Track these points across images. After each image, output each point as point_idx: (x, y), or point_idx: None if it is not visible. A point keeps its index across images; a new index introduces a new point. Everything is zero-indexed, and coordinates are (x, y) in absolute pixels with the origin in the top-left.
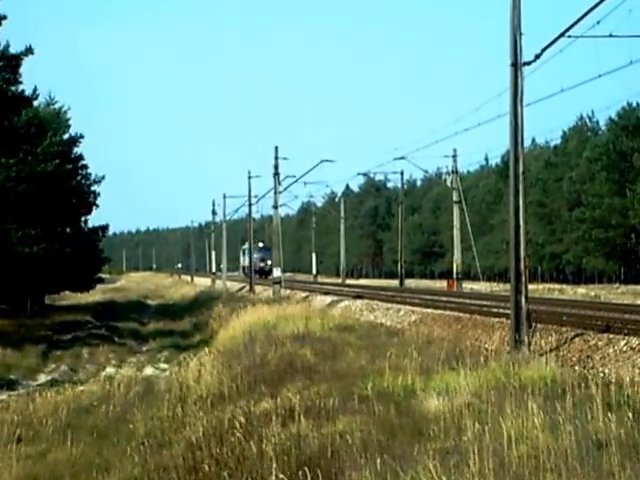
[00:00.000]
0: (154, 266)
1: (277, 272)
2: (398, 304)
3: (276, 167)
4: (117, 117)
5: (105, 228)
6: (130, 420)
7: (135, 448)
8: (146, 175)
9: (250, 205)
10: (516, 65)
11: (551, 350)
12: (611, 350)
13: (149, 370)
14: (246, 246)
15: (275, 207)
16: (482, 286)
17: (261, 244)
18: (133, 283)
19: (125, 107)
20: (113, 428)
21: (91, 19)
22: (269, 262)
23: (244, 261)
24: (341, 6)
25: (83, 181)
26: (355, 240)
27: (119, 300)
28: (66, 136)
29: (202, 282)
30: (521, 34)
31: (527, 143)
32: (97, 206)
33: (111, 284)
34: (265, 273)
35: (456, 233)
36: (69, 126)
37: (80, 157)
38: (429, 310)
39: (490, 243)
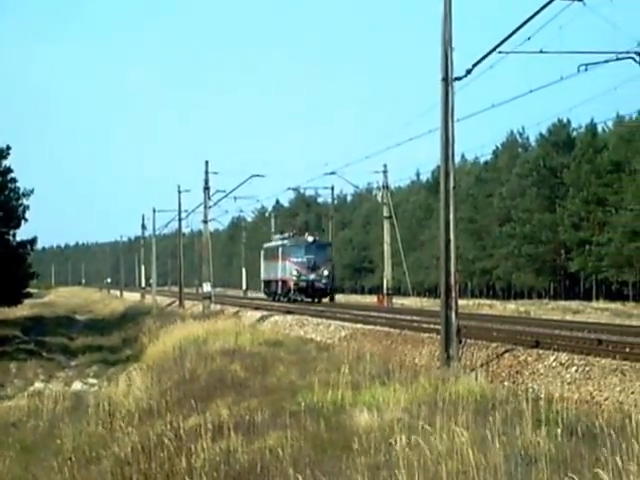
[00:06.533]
0: (83, 281)
1: (207, 287)
2: (328, 319)
3: (206, 181)
4: (48, 130)
5: (33, 242)
6: (58, 435)
7: (63, 463)
8: (76, 189)
9: (180, 220)
10: (447, 80)
11: (481, 365)
12: (540, 365)
13: (78, 385)
14: (280, 241)
15: (205, 222)
16: (412, 301)
17: (310, 238)
18: (62, 298)
19: (56, 120)
20: (41, 443)
21: (31, 36)
22: (325, 272)
23: (273, 271)
24: (274, 18)
25: (11, 194)
26: None
27: (48, 315)
28: None
29: (131, 297)
30: (452, 49)
31: (457, 159)
32: (26, 220)
33: (39, 299)
34: (316, 293)
35: (386, 248)
36: None
37: (9, 170)
38: (359, 325)
39: (420, 259)
